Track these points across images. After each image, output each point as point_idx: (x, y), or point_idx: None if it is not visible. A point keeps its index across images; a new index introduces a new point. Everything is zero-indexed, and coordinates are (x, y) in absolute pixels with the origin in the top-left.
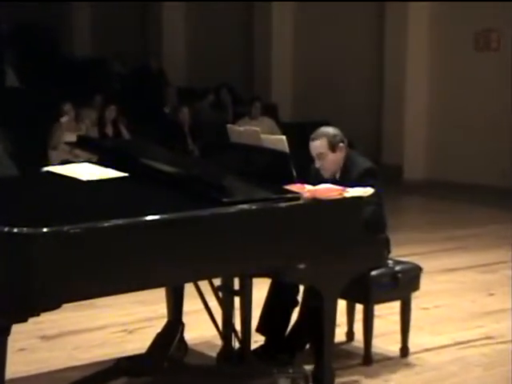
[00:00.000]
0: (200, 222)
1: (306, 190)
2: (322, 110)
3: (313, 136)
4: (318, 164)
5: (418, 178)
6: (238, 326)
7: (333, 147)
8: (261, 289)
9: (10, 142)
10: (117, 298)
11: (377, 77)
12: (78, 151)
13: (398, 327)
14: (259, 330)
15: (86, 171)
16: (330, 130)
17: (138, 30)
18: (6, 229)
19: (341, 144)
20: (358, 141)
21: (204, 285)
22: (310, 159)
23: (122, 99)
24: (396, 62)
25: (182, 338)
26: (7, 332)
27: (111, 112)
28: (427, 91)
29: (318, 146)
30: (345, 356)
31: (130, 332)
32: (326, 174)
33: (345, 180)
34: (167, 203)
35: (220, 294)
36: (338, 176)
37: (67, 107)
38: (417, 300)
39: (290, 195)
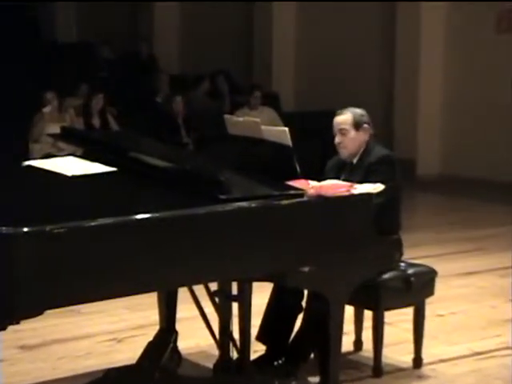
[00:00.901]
0: (195, 221)
1: (311, 187)
2: (327, 100)
3: (339, 111)
4: (337, 140)
5: (433, 173)
6: (236, 334)
7: (357, 125)
8: (261, 294)
9: None
10: (104, 304)
11: (388, 63)
12: (61, 144)
13: (410, 336)
14: (259, 338)
15: (71, 166)
16: (357, 109)
17: (128, 12)
18: None
19: (365, 125)
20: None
21: (199, 289)
22: (323, 152)
23: (110, 87)
24: (409, 46)
25: (175, 348)
26: None
27: (98, 101)
28: (443, 78)
29: (342, 120)
30: (352, 367)
31: (119, 341)
32: (345, 153)
33: (361, 168)
34: (159, 201)
35: (217, 300)
36: (355, 161)
37: (50, 96)
38: (431, 306)
39: (292, 192)
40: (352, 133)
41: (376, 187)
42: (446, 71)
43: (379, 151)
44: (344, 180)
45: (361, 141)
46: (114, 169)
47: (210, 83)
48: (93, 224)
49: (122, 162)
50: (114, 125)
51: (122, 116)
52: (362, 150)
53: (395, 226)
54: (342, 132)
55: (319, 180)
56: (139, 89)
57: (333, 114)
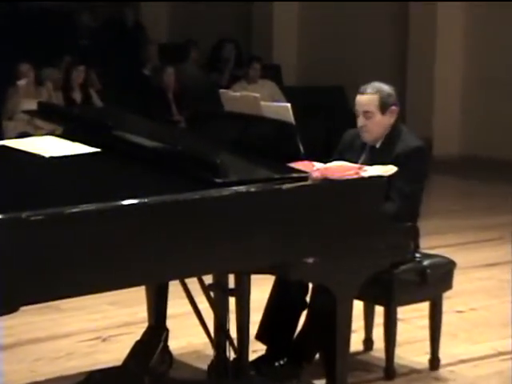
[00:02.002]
0: (187, 208)
1: (316, 169)
2: (334, 72)
3: (362, 89)
4: (360, 123)
5: (451, 153)
6: (233, 332)
7: (384, 108)
8: (261, 288)
9: None
10: (87, 299)
11: (400, 32)
12: (39, 121)
13: (426, 334)
14: (259, 337)
15: (49, 146)
16: (384, 86)
17: None
18: None
19: (393, 107)
20: None
21: (193, 283)
22: (329, 130)
23: (92, 58)
24: (424, 15)
25: (165, 347)
26: None
27: (79, 74)
28: (463, 48)
29: (367, 101)
30: (362, 368)
31: (104, 340)
32: (368, 138)
33: (386, 153)
34: (147, 185)
35: (212, 294)
36: (378, 145)
37: (25, 68)
38: (449, 301)
39: (295, 175)
40: (378, 116)
41: (387, 169)
42: (466, 41)
43: (409, 140)
44: (362, 164)
45: (386, 125)
46: (97, 149)
47: (197, 51)
48: (74, 211)
49: (106, 141)
50: (96, 100)
51: (105, 90)
52: (386, 133)
53: (413, 215)
54: (367, 115)
55: (325, 161)
56: (125, 60)
57: (340, 90)
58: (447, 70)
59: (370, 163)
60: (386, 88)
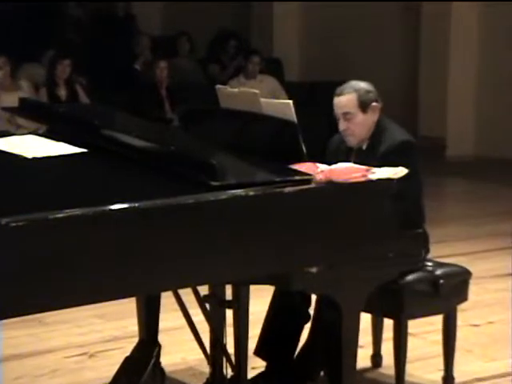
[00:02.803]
0: (181, 213)
1: (320, 171)
2: (340, 67)
3: (339, 90)
4: (342, 126)
5: (465, 154)
6: (230, 347)
7: (364, 106)
8: (260, 299)
9: None
10: (73, 312)
11: (412, 27)
12: (20, 119)
13: (439, 349)
14: (258, 352)
15: (32, 146)
16: (361, 84)
17: None
18: None
19: (374, 103)
20: (387, 107)
21: (187, 294)
22: (333, 129)
23: (80, 52)
24: (437, 11)
25: (157, 364)
26: None
27: (65, 68)
28: (478, 43)
29: (344, 102)
30: None
31: (91, 356)
32: (353, 141)
33: (372, 153)
34: (138, 188)
35: (207, 306)
36: (364, 146)
37: (1, 61)
38: (464, 314)
39: (298, 177)
40: (359, 116)
41: (398, 171)
42: (481, 34)
43: (394, 135)
44: None
45: (370, 123)
46: (83, 150)
47: (189, 43)
48: (58, 216)
49: (94, 141)
50: (83, 97)
51: (93, 86)
52: (371, 133)
53: (419, 219)
54: (347, 117)
55: (327, 163)
56: (114, 54)
57: None
58: (461, 67)
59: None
60: (364, 85)
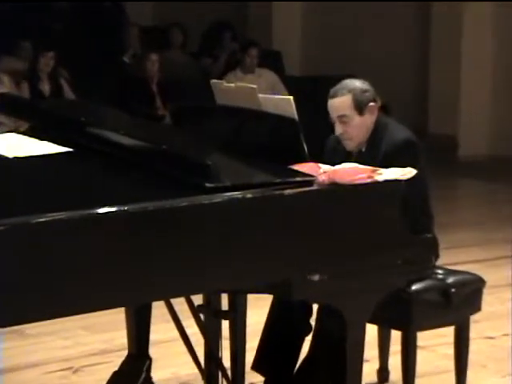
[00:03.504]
0: (173, 217)
1: (322, 172)
2: (344, 60)
3: (333, 92)
4: (338, 131)
5: (479, 154)
6: (226, 361)
7: (360, 108)
8: (258, 310)
9: None
10: (56, 323)
11: (422, 17)
12: (0, 117)
13: (451, 364)
14: (256, 367)
15: (14, 145)
16: (356, 83)
17: None
18: None
19: (371, 104)
20: (393, 102)
21: (180, 304)
22: (330, 128)
23: (64, 43)
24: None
25: (148, 379)
26: None
27: (48, 61)
28: (493, 33)
29: (339, 105)
30: None
31: (76, 371)
32: (351, 145)
33: (373, 155)
34: (127, 190)
35: (202, 317)
36: (364, 149)
37: None
38: (477, 326)
39: (299, 179)
40: (356, 119)
41: (406, 172)
42: (497, 24)
43: (395, 133)
44: None
45: (368, 125)
46: (68, 149)
47: (183, 37)
48: (41, 220)
49: (80, 140)
50: (68, 92)
51: (78, 80)
52: (369, 134)
53: (427, 223)
54: (343, 120)
55: (328, 164)
56: (102, 46)
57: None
58: (474, 59)
59: None
60: (359, 84)
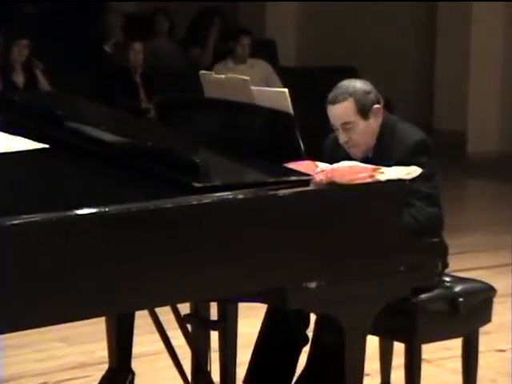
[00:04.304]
0: (159, 218)
1: (320, 170)
2: (343, 50)
3: (332, 97)
4: (342, 139)
5: (489, 151)
6: (215, 375)
7: (364, 112)
8: (250, 320)
9: None
10: (31, 335)
11: (427, 6)
12: None
13: (458, 379)
14: (248, 381)
15: None
16: (357, 84)
17: None
18: None
19: (376, 106)
20: (397, 97)
21: (165, 313)
22: (329, 126)
23: (39, 31)
24: None
25: None
26: None
27: (22, 50)
28: (505, 22)
29: (341, 112)
30: None
31: None
32: (357, 153)
33: (382, 161)
34: (109, 189)
35: (189, 328)
36: (370, 154)
37: None
38: (487, 338)
39: (295, 178)
40: (361, 124)
41: (410, 171)
42: (507, 15)
43: (405, 135)
44: None
45: (374, 129)
46: (44, 145)
47: (169, 23)
48: (15, 223)
49: (57, 135)
50: (44, 83)
51: (55, 71)
52: (376, 138)
53: (436, 226)
54: (346, 127)
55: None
56: (81, 33)
57: (352, 72)
58: (484, 50)
59: None
60: (360, 85)
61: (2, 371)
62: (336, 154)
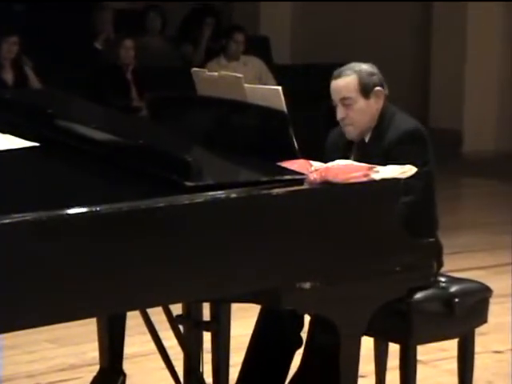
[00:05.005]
0: (151, 218)
1: (314, 169)
2: (338, 47)
3: (337, 72)
4: (340, 114)
5: (485, 150)
6: (208, 376)
7: (366, 90)
8: (243, 321)
9: None
10: (20, 336)
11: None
12: None
13: (454, 380)
14: (242, 382)
15: None
16: (363, 65)
17: None
18: None
19: (378, 88)
20: (393, 95)
21: (157, 314)
22: (332, 121)
23: (29, 29)
24: None
25: None
26: None
27: (11, 47)
28: (502, 19)
29: (343, 86)
30: None
31: None
32: (352, 132)
33: (376, 147)
34: (100, 189)
35: (181, 329)
36: (367, 139)
37: None
38: (483, 338)
39: (288, 177)
40: (360, 102)
41: (405, 170)
42: (503, 13)
43: (401, 123)
44: None
45: (373, 111)
46: (34, 143)
47: (161, 18)
48: (4, 222)
49: (47, 133)
50: (34, 81)
51: (45, 68)
52: (375, 123)
53: (431, 226)
54: (346, 102)
55: (325, 161)
56: (71, 30)
57: None
58: (480, 47)
59: (361, 161)
60: (366, 67)
61: None
62: (337, 145)
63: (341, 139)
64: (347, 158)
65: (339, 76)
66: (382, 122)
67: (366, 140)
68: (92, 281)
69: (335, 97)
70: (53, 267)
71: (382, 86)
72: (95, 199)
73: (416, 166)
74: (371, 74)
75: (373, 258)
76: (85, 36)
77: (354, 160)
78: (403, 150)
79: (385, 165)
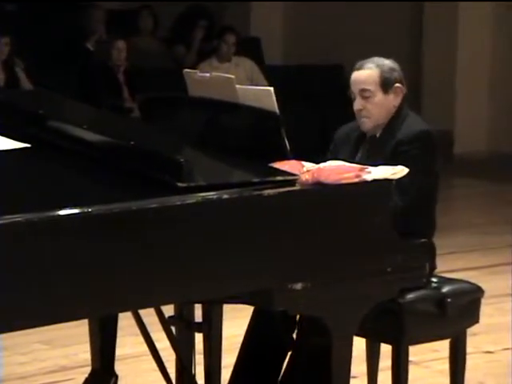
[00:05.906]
0: (143, 219)
1: (306, 170)
2: (330, 48)
3: (359, 64)
4: (357, 105)
5: (477, 151)
6: (200, 378)
7: (386, 85)
8: (235, 322)
9: None
10: (12, 337)
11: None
12: None
13: (446, 380)
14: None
15: None
16: (386, 60)
17: None
18: None
19: (398, 84)
20: None
21: (149, 315)
22: (326, 121)
23: (20, 28)
24: None
25: None
26: None
27: (2, 48)
28: (493, 20)
29: (364, 78)
30: None
31: None
32: (368, 124)
33: (386, 143)
34: (92, 190)
35: (173, 330)
36: (378, 134)
37: None
38: (475, 339)
39: (280, 178)
40: (379, 96)
41: (397, 171)
42: (494, 16)
43: (412, 124)
44: (361, 158)
45: (390, 107)
46: (25, 145)
47: (152, 17)
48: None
49: (38, 134)
50: (25, 82)
51: (36, 69)
52: (389, 119)
53: (428, 228)
54: (365, 94)
55: (318, 161)
56: (62, 31)
57: (338, 70)
58: (472, 48)
59: (369, 158)
60: (389, 62)
61: None
62: (348, 139)
63: (353, 132)
64: (357, 151)
65: (361, 68)
66: (396, 120)
67: (378, 135)
68: (84, 282)
69: (355, 88)
70: (43, 268)
71: (402, 83)
72: (87, 200)
73: (417, 169)
74: (393, 70)
75: (364, 258)
76: (76, 36)
77: (363, 154)
78: (409, 151)
79: (392, 161)
